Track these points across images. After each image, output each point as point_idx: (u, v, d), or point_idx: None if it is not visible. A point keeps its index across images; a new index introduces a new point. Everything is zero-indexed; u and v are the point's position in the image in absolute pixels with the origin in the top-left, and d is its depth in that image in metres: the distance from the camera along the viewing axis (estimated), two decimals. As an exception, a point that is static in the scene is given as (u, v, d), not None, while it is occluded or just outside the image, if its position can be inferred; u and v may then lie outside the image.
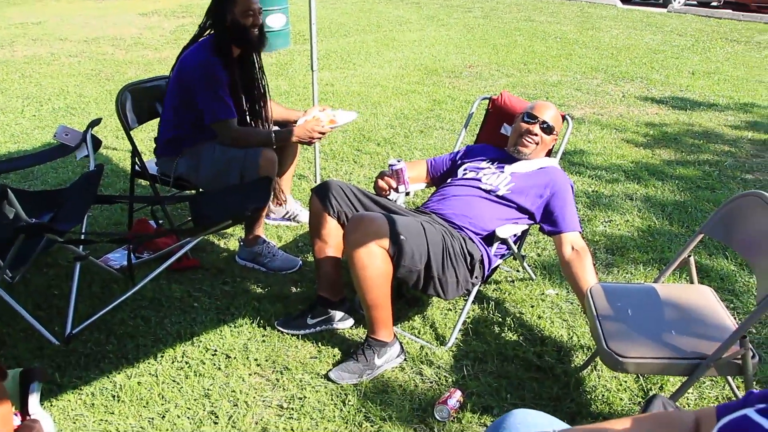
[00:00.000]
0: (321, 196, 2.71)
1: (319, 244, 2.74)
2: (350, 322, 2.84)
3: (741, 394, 2.43)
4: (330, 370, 2.55)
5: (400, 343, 2.65)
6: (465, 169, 3.02)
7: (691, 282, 2.52)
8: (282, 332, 2.78)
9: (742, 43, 10.52)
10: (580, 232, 2.77)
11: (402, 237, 2.40)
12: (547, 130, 2.94)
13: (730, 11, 13.74)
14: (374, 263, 2.39)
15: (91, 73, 7.61)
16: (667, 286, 2.46)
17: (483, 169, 2.98)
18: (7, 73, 7.58)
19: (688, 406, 2.45)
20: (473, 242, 2.69)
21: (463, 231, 2.71)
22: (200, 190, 3.38)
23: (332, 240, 2.73)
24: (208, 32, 3.18)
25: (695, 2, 15.83)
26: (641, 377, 2.57)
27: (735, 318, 2.26)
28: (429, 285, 2.55)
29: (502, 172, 2.91)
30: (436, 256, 2.50)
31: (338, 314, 2.81)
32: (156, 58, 8.44)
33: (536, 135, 2.92)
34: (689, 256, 2.49)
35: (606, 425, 1.20)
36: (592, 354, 2.64)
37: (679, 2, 15.36)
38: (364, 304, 2.51)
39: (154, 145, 3.37)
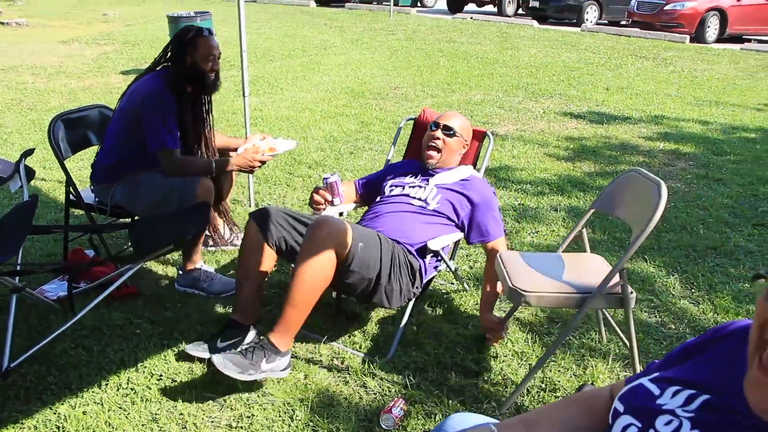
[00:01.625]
0: (260, 223, 2.75)
1: (249, 269, 2.76)
2: None
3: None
4: (217, 353, 2.55)
5: (291, 359, 2.66)
6: (391, 187, 3.13)
7: (584, 251, 2.87)
8: (190, 355, 2.73)
9: (650, 59, 11.12)
10: (505, 236, 3.00)
11: (360, 244, 2.51)
12: (449, 133, 3.04)
13: (638, 29, 14.48)
14: (321, 270, 2.45)
15: (12, 102, 7.42)
16: (566, 254, 2.78)
17: (407, 183, 3.09)
18: None
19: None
20: (411, 254, 2.81)
21: (399, 245, 2.82)
22: (135, 217, 3.39)
23: (264, 266, 2.76)
24: (161, 66, 3.23)
25: (606, 22, 16.61)
26: (574, 376, 2.72)
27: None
28: (376, 293, 2.65)
29: (427, 184, 3.04)
30: (386, 265, 2.61)
31: (249, 337, 2.78)
32: (79, 86, 8.29)
33: (438, 139, 3.04)
34: (582, 229, 2.81)
35: (538, 412, 1.32)
36: (510, 309, 2.89)
37: (591, 22, 16.08)
38: (287, 301, 2.51)
39: (91, 172, 3.35)
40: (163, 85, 3.11)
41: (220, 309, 3.20)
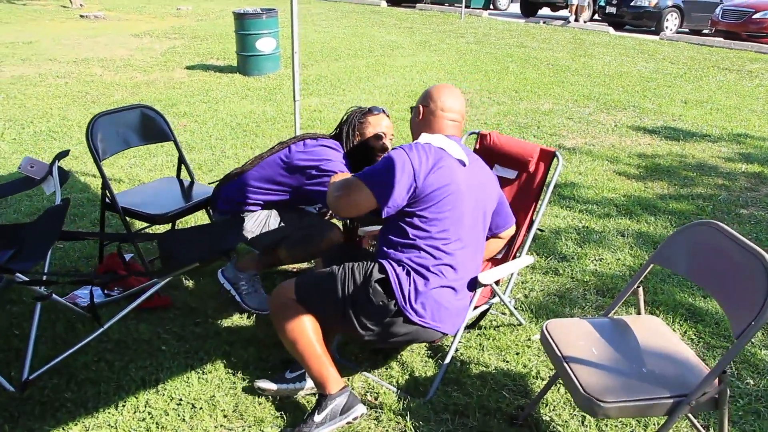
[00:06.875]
0: None
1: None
2: None
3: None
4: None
5: (354, 396, 2.38)
6: None
7: (638, 313, 2.45)
8: (261, 389, 2.53)
9: (734, 71, 10.49)
10: None
11: (307, 285, 2.41)
12: None
13: (722, 39, 13.76)
14: (293, 319, 2.35)
15: (78, 95, 7.48)
16: (619, 319, 2.38)
17: None
18: (-10, 94, 7.46)
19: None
20: (381, 263, 2.37)
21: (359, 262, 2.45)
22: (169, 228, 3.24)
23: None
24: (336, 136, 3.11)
25: (687, 30, 15.88)
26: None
27: (690, 346, 2.15)
28: (353, 329, 2.35)
29: None
30: (345, 297, 2.33)
31: None
32: (144, 80, 8.31)
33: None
34: (638, 287, 2.42)
35: None
36: (551, 377, 2.45)
37: (671, 30, 15.39)
38: (295, 357, 2.39)
39: (214, 198, 3.19)
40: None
41: (252, 329, 3.01)
